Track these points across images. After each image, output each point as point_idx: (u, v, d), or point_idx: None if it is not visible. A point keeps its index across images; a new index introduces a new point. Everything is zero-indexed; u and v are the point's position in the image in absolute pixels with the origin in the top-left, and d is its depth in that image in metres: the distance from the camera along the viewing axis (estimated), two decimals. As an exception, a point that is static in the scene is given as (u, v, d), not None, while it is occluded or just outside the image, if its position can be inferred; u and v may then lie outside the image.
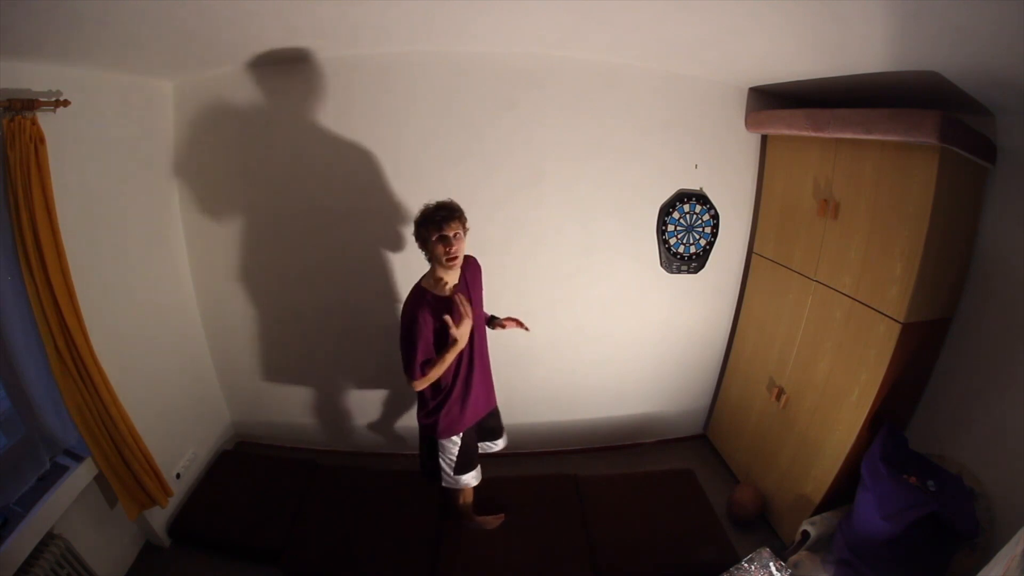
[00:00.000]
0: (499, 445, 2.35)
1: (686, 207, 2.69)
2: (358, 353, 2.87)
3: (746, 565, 2.06)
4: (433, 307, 1.83)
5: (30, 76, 1.67)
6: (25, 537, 1.70)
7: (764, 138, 2.66)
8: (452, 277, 1.90)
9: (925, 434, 2.12)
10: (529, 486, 2.64)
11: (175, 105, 2.36)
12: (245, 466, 2.83)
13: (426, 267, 1.94)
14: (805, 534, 2.17)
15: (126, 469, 2.03)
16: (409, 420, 3.06)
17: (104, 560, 2.08)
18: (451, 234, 1.81)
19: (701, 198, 2.69)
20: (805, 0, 1.45)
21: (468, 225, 1.91)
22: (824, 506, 2.23)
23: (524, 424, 3.12)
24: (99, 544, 2.07)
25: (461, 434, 2.08)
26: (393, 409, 3.02)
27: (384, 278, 2.69)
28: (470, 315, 1.82)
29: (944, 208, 1.74)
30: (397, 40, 2.13)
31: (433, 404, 1.99)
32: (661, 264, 2.80)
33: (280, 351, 2.88)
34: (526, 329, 2.23)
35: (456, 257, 1.83)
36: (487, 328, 2.18)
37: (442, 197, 2.56)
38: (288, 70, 2.28)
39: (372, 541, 2.30)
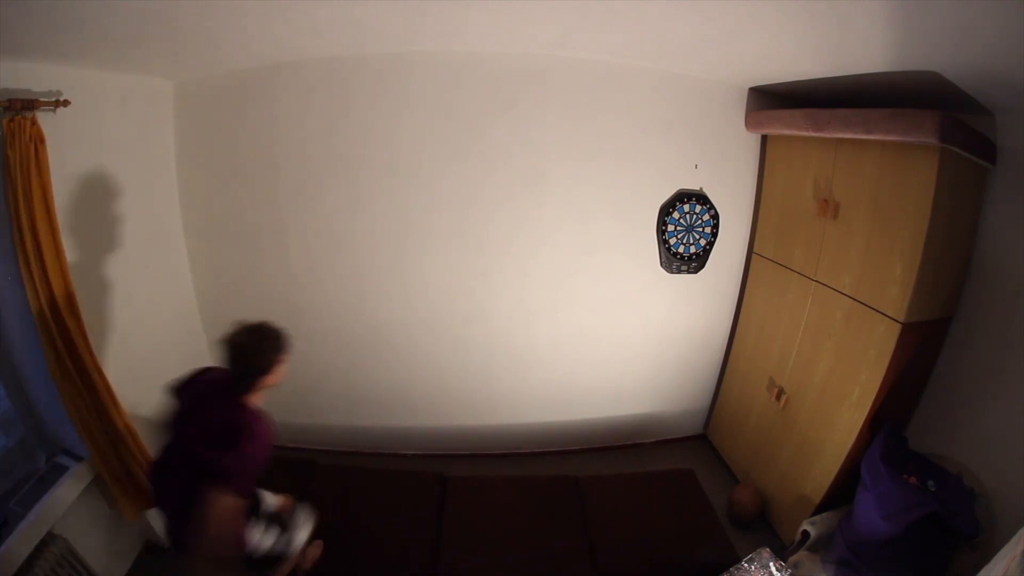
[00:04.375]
0: None
1: (686, 207, 2.69)
2: (357, 352, 2.87)
3: (746, 565, 2.06)
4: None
5: (30, 76, 1.67)
6: (25, 537, 1.70)
7: (764, 138, 2.66)
8: None
9: (925, 434, 2.13)
10: (529, 486, 2.63)
11: (175, 105, 2.36)
12: (245, 466, 2.82)
13: None
14: (805, 534, 2.17)
15: (125, 471, 2.03)
16: (408, 420, 3.07)
17: (104, 560, 2.08)
18: None
19: (701, 198, 2.69)
20: (805, 0, 1.45)
21: None
22: (824, 506, 2.23)
23: (524, 424, 3.13)
24: (99, 544, 2.07)
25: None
26: (393, 409, 3.02)
27: (383, 278, 2.69)
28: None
29: (944, 208, 1.74)
30: (397, 40, 2.13)
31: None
32: (661, 264, 2.80)
33: (280, 351, 2.87)
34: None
35: None
36: None
37: (441, 202, 2.59)
38: (288, 70, 2.28)
39: (372, 541, 2.30)
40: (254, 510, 1.75)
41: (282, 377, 1.63)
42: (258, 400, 1.61)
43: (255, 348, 1.54)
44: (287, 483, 2.63)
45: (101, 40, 1.69)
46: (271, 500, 1.90)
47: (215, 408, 1.53)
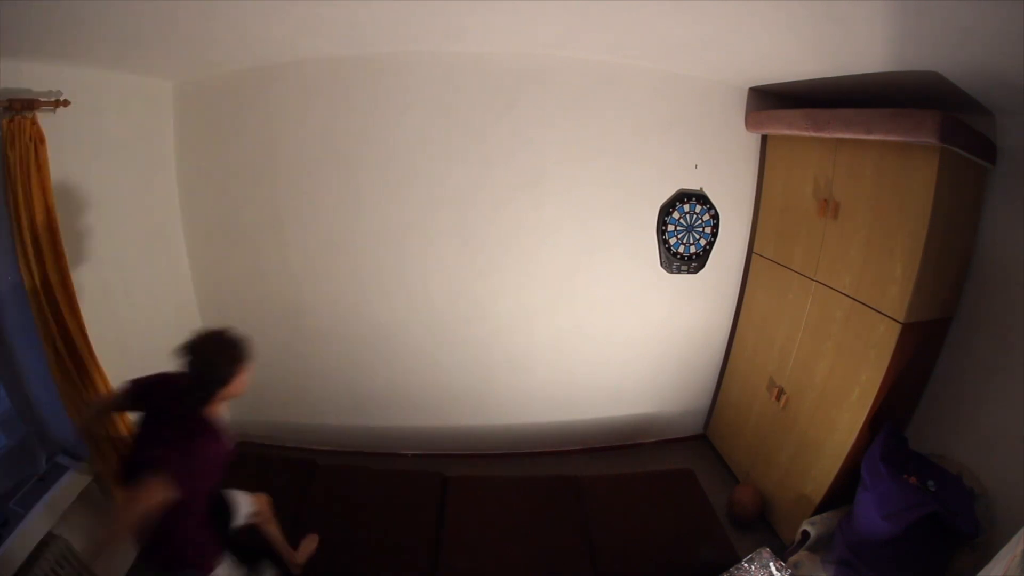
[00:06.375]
0: None
1: (686, 207, 2.69)
2: (358, 352, 2.87)
3: (746, 565, 2.06)
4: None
5: (30, 76, 1.67)
6: (25, 537, 1.71)
7: (764, 138, 2.66)
8: None
9: (925, 434, 2.13)
10: (529, 486, 2.63)
11: (175, 105, 2.36)
12: (245, 466, 2.82)
13: None
14: (805, 534, 2.17)
15: (126, 469, 2.03)
16: (408, 420, 3.07)
17: (104, 560, 2.07)
18: None
19: (701, 198, 2.69)
20: (806, 0, 1.45)
21: None
22: (824, 506, 2.23)
23: (524, 424, 3.13)
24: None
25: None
26: (393, 409, 3.02)
27: (384, 278, 2.69)
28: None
29: (944, 208, 1.74)
30: (397, 40, 2.13)
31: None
32: (661, 264, 2.80)
33: (280, 350, 2.88)
34: None
35: None
36: None
37: (441, 202, 2.58)
38: (288, 70, 2.28)
39: (372, 541, 2.30)
40: (223, 525, 1.71)
41: (243, 388, 1.53)
42: (218, 410, 1.53)
43: (213, 360, 1.46)
44: (287, 483, 2.64)
45: (101, 40, 1.69)
46: (244, 505, 1.82)
47: (171, 419, 1.47)
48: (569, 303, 2.82)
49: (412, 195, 2.51)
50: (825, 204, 2.21)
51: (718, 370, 3.19)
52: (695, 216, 2.72)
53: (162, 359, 2.44)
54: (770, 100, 2.57)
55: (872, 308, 1.99)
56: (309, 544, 2.16)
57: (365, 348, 2.85)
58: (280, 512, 2.44)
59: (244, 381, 1.52)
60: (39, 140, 1.63)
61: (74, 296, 1.77)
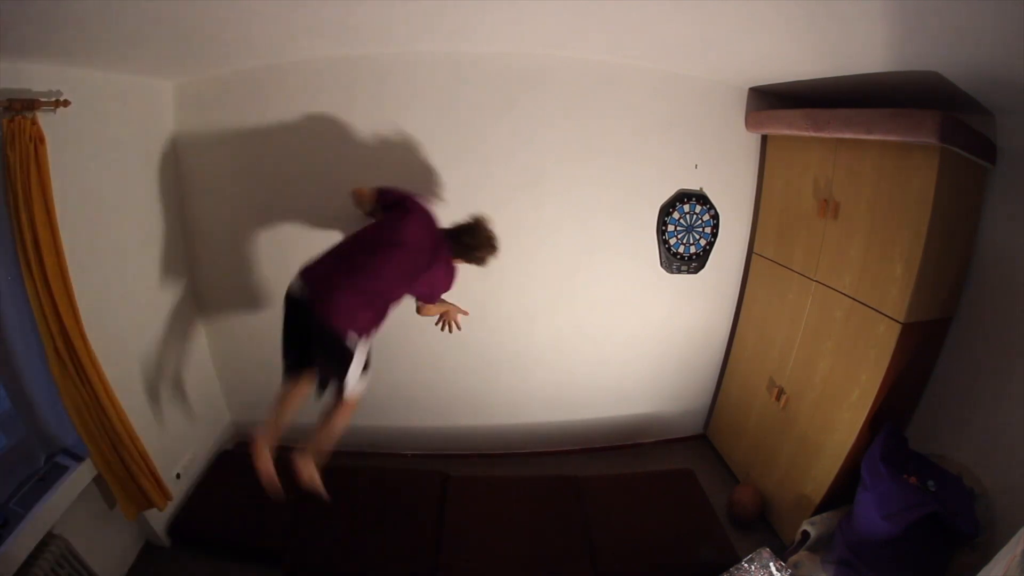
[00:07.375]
0: None
1: (686, 207, 2.69)
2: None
3: (746, 565, 2.06)
4: None
5: (30, 76, 1.67)
6: (25, 537, 1.70)
7: (764, 138, 2.66)
8: None
9: (925, 434, 2.13)
10: (529, 486, 2.64)
11: (175, 105, 2.36)
12: (245, 466, 2.81)
13: None
14: (805, 534, 2.17)
15: (124, 471, 2.03)
16: (408, 420, 3.07)
17: (104, 560, 2.08)
18: None
19: (701, 198, 2.69)
20: (806, 0, 1.46)
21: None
22: (824, 506, 2.23)
23: (524, 424, 3.13)
24: (99, 544, 2.07)
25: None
26: (393, 409, 3.02)
27: (384, 278, 2.69)
28: None
29: (944, 208, 1.74)
30: (397, 40, 2.13)
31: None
32: (661, 264, 2.80)
33: (280, 351, 2.87)
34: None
35: None
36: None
37: (443, 198, 2.58)
38: (288, 70, 2.28)
39: (372, 541, 2.30)
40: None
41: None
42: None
43: (480, 236, 2.13)
44: (288, 483, 2.64)
45: (101, 40, 1.69)
46: (365, 378, 2.21)
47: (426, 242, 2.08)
48: (569, 303, 2.82)
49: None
50: (825, 204, 2.21)
51: (718, 370, 3.19)
52: (695, 216, 2.72)
53: (162, 359, 2.46)
54: (770, 100, 2.57)
55: (872, 308, 1.99)
56: (318, 484, 2.25)
57: (365, 348, 2.85)
58: (280, 512, 2.45)
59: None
60: (39, 140, 1.63)
61: (73, 297, 1.77)
